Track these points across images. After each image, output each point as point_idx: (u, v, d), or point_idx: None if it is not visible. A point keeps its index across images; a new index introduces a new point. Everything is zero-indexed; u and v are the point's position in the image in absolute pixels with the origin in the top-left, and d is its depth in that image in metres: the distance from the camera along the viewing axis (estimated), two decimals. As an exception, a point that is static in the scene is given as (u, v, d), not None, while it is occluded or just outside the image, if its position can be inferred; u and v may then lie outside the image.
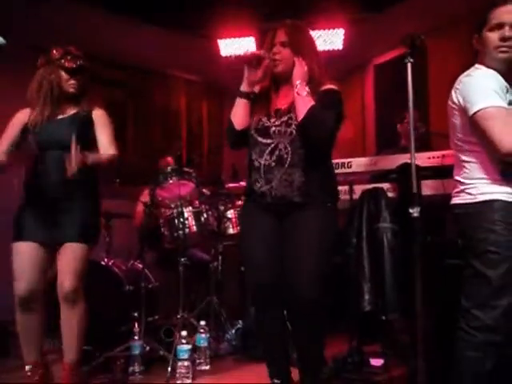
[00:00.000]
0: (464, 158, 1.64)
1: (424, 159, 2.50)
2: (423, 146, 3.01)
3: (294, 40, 1.82)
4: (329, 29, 4.31)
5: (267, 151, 1.77)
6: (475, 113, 1.53)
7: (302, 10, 4.06)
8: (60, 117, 2.11)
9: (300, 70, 1.77)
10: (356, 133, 4.62)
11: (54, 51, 2.09)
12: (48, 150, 2.04)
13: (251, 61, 1.79)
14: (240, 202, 3.19)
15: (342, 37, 4.33)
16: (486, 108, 1.51)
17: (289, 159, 1.74)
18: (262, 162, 1.77)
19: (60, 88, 2.08)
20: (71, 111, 2.13)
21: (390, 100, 4.37)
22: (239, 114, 1.85)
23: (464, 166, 1.64)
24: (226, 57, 4.35)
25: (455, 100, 1.62)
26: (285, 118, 1.79)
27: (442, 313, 1.94)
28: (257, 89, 1.90)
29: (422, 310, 1.59)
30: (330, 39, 4.32)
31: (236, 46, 4.22)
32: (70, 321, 2.03)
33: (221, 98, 5.18)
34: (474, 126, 1.55)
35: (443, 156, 2.47)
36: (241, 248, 1.96)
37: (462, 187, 1.64)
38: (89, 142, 2.08)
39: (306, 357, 1.85)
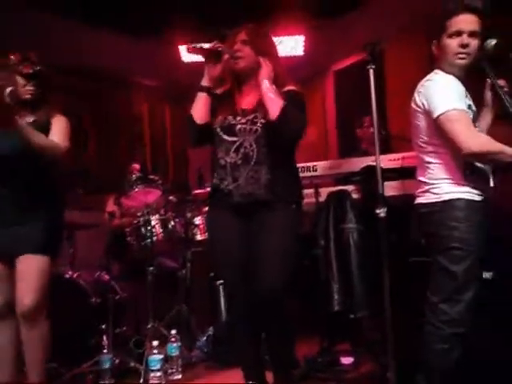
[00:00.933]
0: (428, 159, 1.71)
1: (385, 161, 2.59)
2: (384, 148, 3.12)
3: (255, 39, 1.84)
4: (289, 35, 4.40)
5: (233, 149, 1.78)
6: (439, 115, 1.60)
7: (262, 16, 4.13)
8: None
9: (266, 69, 1.78)
10: (318, 137, 4.73)
11: (12, 57, 2.01)
12: (7, 159, 1.95)
13: (210, 54, 1.79)
14: (206, 209, 3.19)
15: (303, 43, 4.43)
16: (450, 110, 1.59)
17: (255, 156, 1.76)
18: (228, 160, 1.78)
19: (16, 93, 1.99)
20: (29, 119, 2.04)
21: (350, 105, 4.50)
22: (199, 108, 1.84)
23: (428, 167, 1.71)
24: (187, 62, 4.35)
25: (419, 103, 1.69)
26: (250, 117, 1.80)
27: (408, 309, 2.01)
28: (220, 90, 1.91)
29: (390, 307, 1.65)
30: (290, 45, 4.41)
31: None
32: (32, 341, 1.94)
33: (183, 102, 5.14)
34: (439, 127, 1.63)
35: (403, 158, 2.58)
36: (211, 252, 1.96)
37: (427, 187, 1.71)
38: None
39: (277, 358, 1.87)
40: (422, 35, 3.98)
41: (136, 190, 2.71)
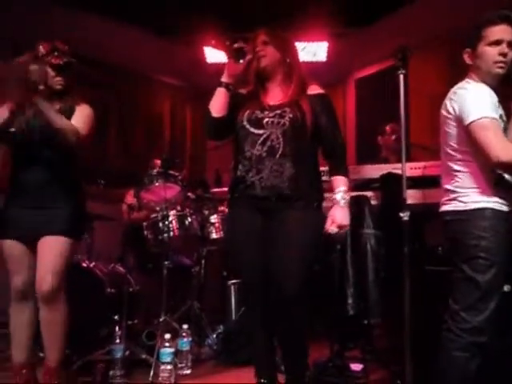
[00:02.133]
0: (456, 167, 1.71)
1: (407, 169, 2.56)
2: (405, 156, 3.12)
3: (275, 39, 1.89)
4: (313, 41, 4.42)
5: (259, 141, 1.78)
6: (471, 122, 1.60)
7: (286, 22, 4.17)
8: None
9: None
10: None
11: (41, 47, 2.05)
12: (28, 145, 2.00)
13: (234, 52, 1.82)
14: (223, 208, 3.21)
15: (326, 50, 4.45)
16: (482, 118, 1.59)
17: (280, 149, 1.76)
18: (254, 153, 1.78)
19: (46, 84, 2.03)
20: (56, 106, 2.07)
21: (370, 113, 4.51)
22: (217, 102, 1.86)
23: (456, 175, 1.71)
24: (211, 63, 4.40)
25: (450, 110, 1.70)
26: (278, 111, 1.82)
27: (423, 317, 2.00)
28: (244, 90, 1.94)
29: (410, 314, 1.64)
30: (313, 51, 4.43)
31: (221, 54, 4.28)
32: (50, 321, 1.97)
33: (205, 104, 5.20)
34: (469, 135, 1.63)
35: (425, 167, 2.57)
36: (229, 249, 1.96)
37: (454, 195, 1.71)
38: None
39: (292, 361, 1.86)
40: (445, 47, 4.01)
41: (156, 184, 2.75)
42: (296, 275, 1.71)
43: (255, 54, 1.85)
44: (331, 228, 1.73)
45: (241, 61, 1.82)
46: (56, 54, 2.04)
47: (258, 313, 1.84)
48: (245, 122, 1.84)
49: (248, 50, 1.83)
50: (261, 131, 1.80)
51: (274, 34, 1.90)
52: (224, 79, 1.86)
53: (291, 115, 1.79)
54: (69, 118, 2.03)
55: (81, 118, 2.06)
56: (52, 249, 1.96)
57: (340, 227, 1.74)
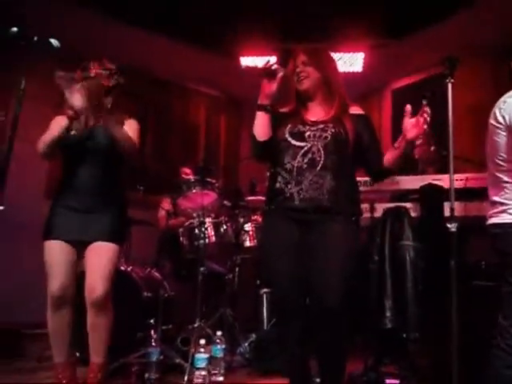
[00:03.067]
0: (506, 178, 1.67)
1: (449, 181, 2.53)
2: (444, 168, 3.06)
3: (315, 58, 1.90)
4: (349, 52, 4.42)
5: (300, 153, 1.78)
6: None
7: (325, 33, 4.19)
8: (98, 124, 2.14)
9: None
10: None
11: (92, 67, 2.12)
12: (83, 153, 2.08)
13: (264, 72, 1.81)
14: (257, 217, 3.22)
15: (362, 60, 4.43)
16: None
17: (321, 162, 1.76)
18: (295, 164, 1.78)
19: (100, 101, 2.10)
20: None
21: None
22: (259, 126, 1.87)
23: (505, 187, 1.67)
24: (247, 75, 4.45)
25: (500, 119, 1.66)
26: (321, 126, 1.83)
27: (468, 333, 1.94)
28: (286, 109, 1.94)
29: (458, 329, 1.59)
30: (350, 61, 4.43)
31: (257, 63, 4.33)
32: (99, 325, 2.02)
33: (239, 113, 5.27)
34: None
35: (467, 179, 2.51)
36: (264, 259, 1.95)
37: (503, 207, 1.66)
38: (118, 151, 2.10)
39: (328, 372, 1.83)
40: (486, 58, 3.93)
41: (194, 191, 2.79)
42: (336, 288, 1.70)
43: (296, 75, 1.87)
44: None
45: (272, 79, 1.80)
46: (106, 73, 2.12)
47: (292, 326, 1.82)
48: (287, 135, 1.85)
49: (278, 69, 1.82)
50: (302, 144, 1.81)
51: (313, 54, 1.91)
52: (260, 101, 1.86)
53: (334, 130, 1.80)
54: None
55: (131, 131, 2.15)
56: (101, 255, 2.02)
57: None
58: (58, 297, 2.00)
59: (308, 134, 1.82)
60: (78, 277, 2.10)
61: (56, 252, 2.03)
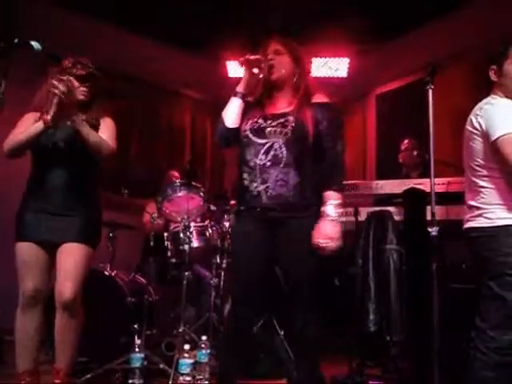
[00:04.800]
0: (481, 183, 1.70)
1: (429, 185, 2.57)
2: (427, 172, 3.10)
3: (288, 48, 1.89)
4: (334, 57, 4.47)
5: (262, 151, 1.78)
6: (498, 138, 1.60)
7: (309, 38, 4.23)
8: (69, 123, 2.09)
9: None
10: (356, 158, 4.73)
11: (66, 61, 2.11)
12: (54, 154, 2.04)
13: (252, 63, 1.82)
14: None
15: (347, 65, 4.48)
16: (509, 134, 1.59)
17: (284, 158, 1.76)
18: (258, 162, 1.77)
19: (73, 95, 2.05)
20: (80, 118, 2.09)
21: (391, 129, 4.50)
22: (231, 112, 1.86)
23: (481, 192, 1.70)
24: (233, 78, 4.47)
25: (476, 125, 1.70)
26: (281, 120, 1.82)
27: (449, 335, 1.97)
28: (251, 98, 1.93)
29: (439, 332, 1.62)
30: (335, 67, 4.47)
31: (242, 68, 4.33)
32: (67, 329, 1.98)
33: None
34: (496, 150, 1.63)
35: (448, 183, 2.55)
36: (232, 260, 1.97)
37: (479, 212, 1.70)
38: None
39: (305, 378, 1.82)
40: (469, 63, 4.00)
41: (179, 194, 2.78)
42: (306, 282, 1.74)
43: (266, 63, 1.84)
44: (319, 240, 1.67)
45: (257, 71, 1.82)
46: (79, 66, 2.09)
47: (243, 323, 1.85)
48: (248, 132, 1.84)
49: (262, 60, 1.82)
50: (264, 140, 1.80)
51: (286, 43, 1.90)
52: (240, 89, 1.86)
53: (294, 124, 1.79)
54: (94, 129, 2.07)
55: (107, 132, 2.11)
56: (72, 256, 1.98)
57: (329, 239, 1.68)
58: (32, 296, 1.97)
59: (268, 130, 1.81)
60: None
61: (27, 253, 1.99)
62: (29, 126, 2.02)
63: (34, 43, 1.60)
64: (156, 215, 2.94)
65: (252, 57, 1.82)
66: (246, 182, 1.81)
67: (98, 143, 2.01)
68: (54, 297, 1.97)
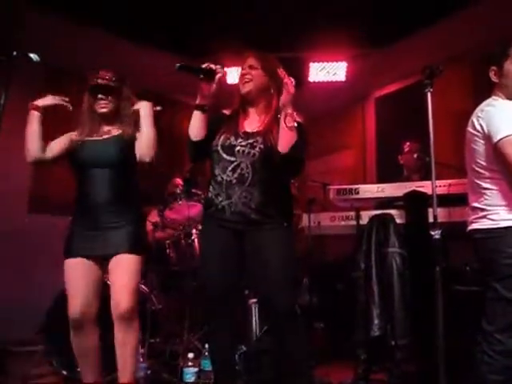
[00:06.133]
0: (484, 184, 1.69)
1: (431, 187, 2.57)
2: (428, 175, 3.10)
3: (264, 63, 1.89)
4: (332, 61, 4.48)
5: (230, 168, 1.83)
6: (500, 139, 1.60)
7: (306, 43, 4.25)
8: (105, 136, 2.11)
9: (288, 94, 1.75)
10: (356, 161, 4.72)
11: (88, 76, 2.10)
12: (93, 168, 2.03)
13: (205, 72, 1.81)
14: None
15: (345, 69, 4.49)
16: (511, 135, 1.58)
17: (249, 178, 1.80)
18: (225, 178, 1.83)
19: (92, 109, 2.10)
20: (115, 132, 2.12)
21: (390, 132, 4.50)
22: (194, 126, 1.88)
23: (484, 193, 1.69)
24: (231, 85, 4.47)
25: (477, 127, 1.69)
26: (251, 140, 1.84)
27: (455, 338, 1.95)
28: (228, 111, 1.96)
29: (443, 334, 1.60)
30: (333, 71, 4.48)
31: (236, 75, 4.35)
32: (127, 340, 1.95)
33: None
34: (498, 152, 1.62)
35: (450, 185, 2.54)
36: (200, 263, 2.02)
37: (483, 213, 1.69)
38: (132, 163, 2.07)
39: (292, 369, 1.84)
40: (468, 65, 4.01)
41: (180, 202, 2.78)
42: (282, 290, 1.77)
43: (240, 77, 1.87)
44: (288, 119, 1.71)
45: (211, 81, 1.80)
46: (95, 78, 2.08)
47: (217, 324, 1.89)
48: (219, 147, 1.87)
49: (217, 69, 1.81)
50: (232, 158, 1.84)
51: (262, 58, 1.90)
52: (197, 101, 1.86)
53: (262, 146, 1.82)
54: (131, 144, 2.07)
55: (147, 117, 2.13)
56: (125, 267, 1.96)
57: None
58: (77, 318, 1.94)
59: (238, 148, 1.84)
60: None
61: (74, 270, 1.97)
62: (65, 141, 2.09)
63: (32, 55, 1.62)
64: (158, 224, 2.94)
65: (204, 65, 1.82)
66: (211, 195, 1.88)
67: (153, 140, 2.07)
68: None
